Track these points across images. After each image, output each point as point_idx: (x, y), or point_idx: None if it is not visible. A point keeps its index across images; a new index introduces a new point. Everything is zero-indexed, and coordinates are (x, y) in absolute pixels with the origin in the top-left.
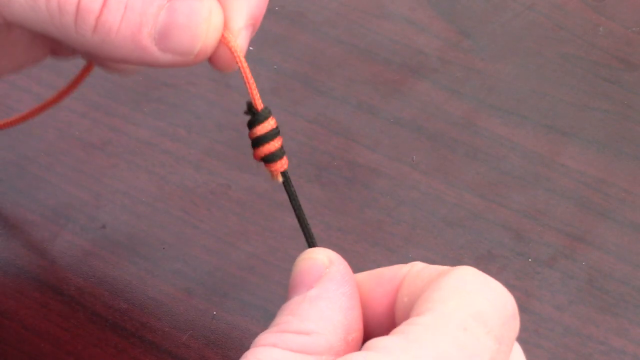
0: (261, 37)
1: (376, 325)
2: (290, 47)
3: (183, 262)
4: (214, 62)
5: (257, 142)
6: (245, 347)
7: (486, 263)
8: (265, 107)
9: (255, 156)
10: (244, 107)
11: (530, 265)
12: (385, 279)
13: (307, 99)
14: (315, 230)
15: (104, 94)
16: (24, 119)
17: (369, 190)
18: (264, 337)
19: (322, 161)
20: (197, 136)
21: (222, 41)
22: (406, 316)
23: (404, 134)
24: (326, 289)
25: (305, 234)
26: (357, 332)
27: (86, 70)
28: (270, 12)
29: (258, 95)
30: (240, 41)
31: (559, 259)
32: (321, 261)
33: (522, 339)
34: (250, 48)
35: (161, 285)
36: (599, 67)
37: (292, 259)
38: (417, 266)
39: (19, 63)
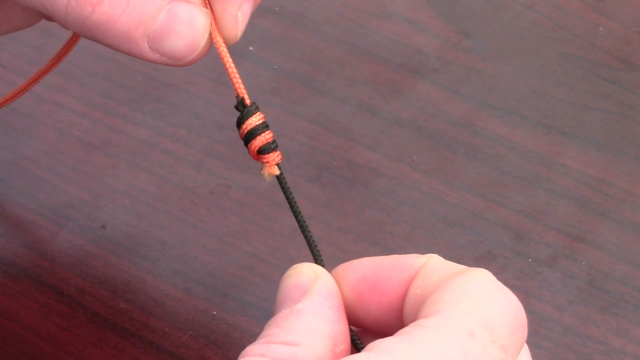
0: (261, 37)
1: (385, 311)
2: (290, 47)
3: (183, 262)
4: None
5: (249, 136)
6: (245, 347)
7: (486, 263)
8: (253, 103)
9: (250, 151)
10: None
11: (530, 266)
12: (403, 266)
13: (307, 99)
14: (315, 230)
15: (104, 94)
16: (16, 95)
17: (369, 190)
18: (252, 348)
19: (322, 161)
20: (197, 136)
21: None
22: (415, 308)
23: (404, 134)
24: (312, 302)
25: (302, 229)
26: (345, 345)
27: (72, 42)
28: (270, 12)
29: (243, 87)
30: (242, 14)
31: (559, 259)
32: (307, 276)
33: None
34: (250, 48)
35: (161, 285)
36: (599, 67)
37: (292, 258)
38: (435, 259)
39: (15, 25)
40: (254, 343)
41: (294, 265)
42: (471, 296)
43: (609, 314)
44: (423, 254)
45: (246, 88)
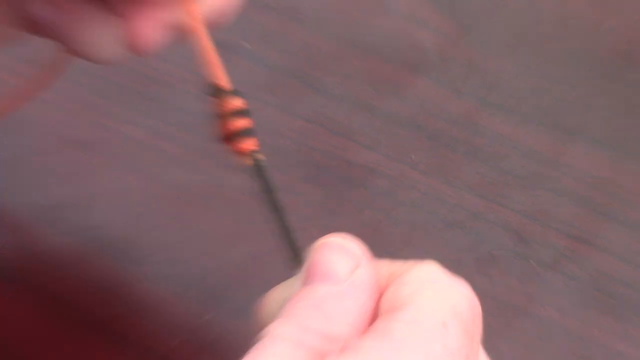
0: (256, 33)
1: None
2: (286, 43)
3: (176, 264)
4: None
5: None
6: (239, 350)
7: (487, 265)
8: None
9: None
10: None
11: (532, 268)
12: None
13: (303, 97)
14: (312, 231)
15: (97, 93)
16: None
17: (368, 191)
18: (284, 330)
19: (319, 161)
20: (191, 136)
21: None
22: None
23: (403, 133)
24: (358, 290)
25: (283, 233)
26: None
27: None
28: (265, 8)
29: (222, 71)
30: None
31: (562, 261)
32: (356, 255)
33: (523, 343)
34: (245, 44)
35: (155, 288)
36: (602, 64)
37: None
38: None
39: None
40: (285, 320)
41: (338, 235)
42: (432, 283)
43: (612, 317)
44: (423, 256)
45: (240, 86)
